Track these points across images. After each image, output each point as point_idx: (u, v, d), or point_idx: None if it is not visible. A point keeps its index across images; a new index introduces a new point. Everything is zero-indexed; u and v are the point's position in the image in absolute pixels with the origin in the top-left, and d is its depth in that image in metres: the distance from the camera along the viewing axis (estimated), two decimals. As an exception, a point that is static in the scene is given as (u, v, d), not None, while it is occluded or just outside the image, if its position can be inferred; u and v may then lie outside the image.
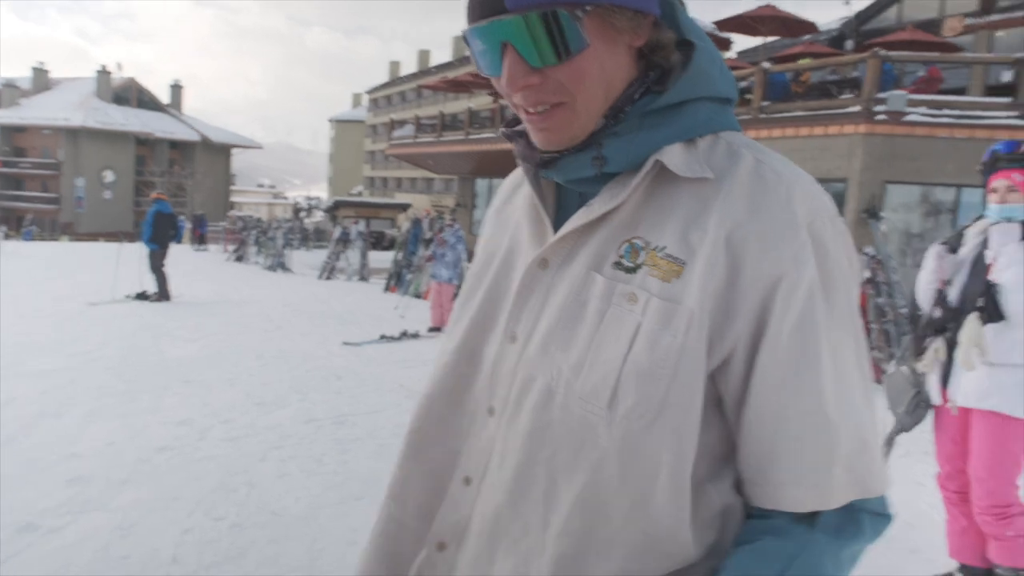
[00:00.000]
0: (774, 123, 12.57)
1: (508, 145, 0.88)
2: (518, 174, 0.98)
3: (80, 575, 2.98)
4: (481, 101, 25.80)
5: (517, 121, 0.88)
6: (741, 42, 30.73)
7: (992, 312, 2.64)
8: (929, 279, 2.97)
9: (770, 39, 17.58)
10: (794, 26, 16.51)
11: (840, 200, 11.64)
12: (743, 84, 14.02)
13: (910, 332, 3.15)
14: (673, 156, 0.77)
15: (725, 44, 18.28)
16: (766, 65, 13.05)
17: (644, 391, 0.73)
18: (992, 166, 2.84)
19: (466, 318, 0.92)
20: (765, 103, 12.71)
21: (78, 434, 4.71)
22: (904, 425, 3.04)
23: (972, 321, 2.69)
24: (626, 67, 0.79)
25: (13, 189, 47.09)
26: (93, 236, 37.18)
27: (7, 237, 30.90)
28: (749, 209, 0.74)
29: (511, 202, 0.98)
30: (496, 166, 20.82)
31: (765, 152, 0.80)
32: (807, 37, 18.06)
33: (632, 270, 0.77)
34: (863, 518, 0.77)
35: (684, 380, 0.73)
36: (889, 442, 3.16)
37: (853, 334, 0.77)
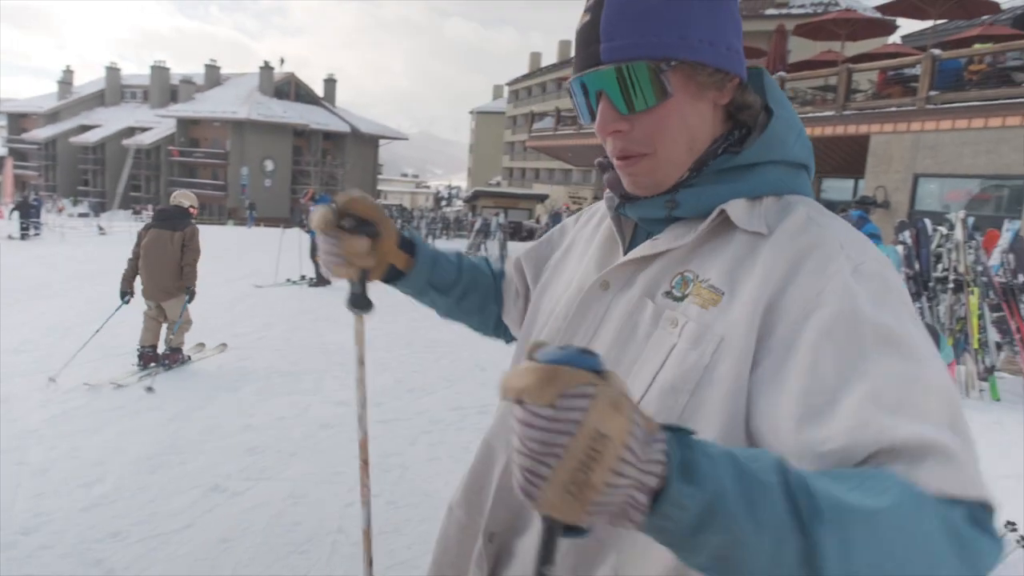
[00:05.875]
0: (942, 114, 11.66)
1: None
2: (602, 208, 1.07)
3: (260, 536, 3.32)
4: (622, 92, 25.46)
5: None
6: (906, 27, 28.47)
7: None
8: None
9: (941, 21, 16.21)
10: (971, 6, 15.09)
11: (1018, 199, 10.65)
12: (909, 71, 13.08)
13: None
14: (737, 208, 0.83)
15: (889, 28, 17.06)
16: (935, 51, 12.09)
17: (664, 403, 0.79)
18: None
19: (540, 332, 1.00)
20: (933, 92, 11.80)
21: (252, 408, 5.21)
22: None
23: None
24: (711, 122, 0.87)
25: (188, 176, 51.75)
26: (256, 221, 40.19)
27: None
28: (794, 261, 0.77)
29: (587, 226, 1.09)
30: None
31: (822, 212, 0.84)
32: (987, 18, 16.51)
33: (680, 299, 0.83)
34: (986, 519, 0.62)
35: (705, 396, 0.77)
36: None
37: (927, 343, 0.72)
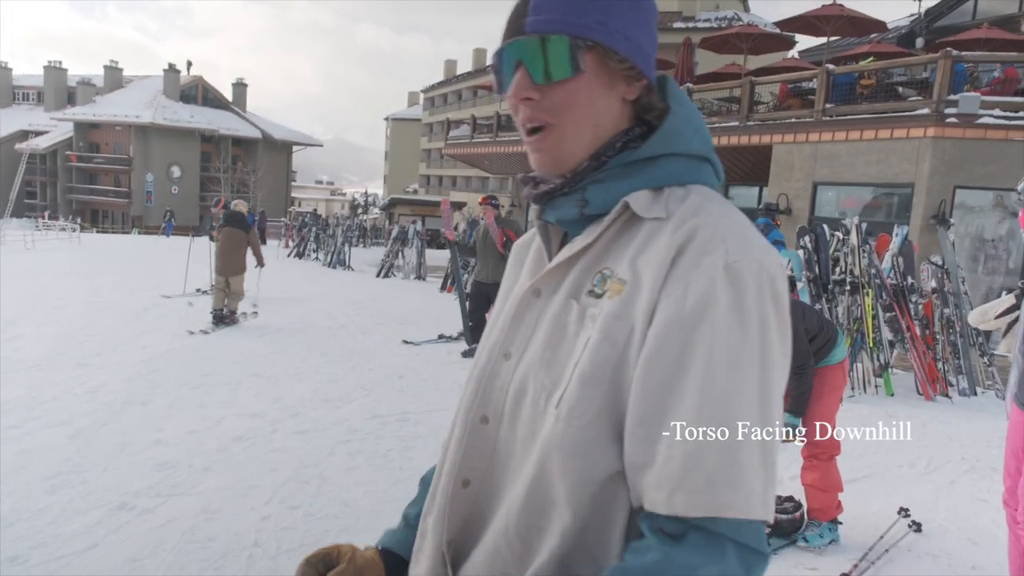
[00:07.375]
0: (838, 125, 12.35)
1: None
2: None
3: (172, 554, 3.21)
4: (538, 100, 25.77)
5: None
6: (804, 41, 29.93)
7: None
8: None
9: (835, 38, 17.19)
10: (861, 25, 16.07)
11: (906, 206, 11.38)
12: (807, 85, 13.80)
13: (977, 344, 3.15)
14: (639, 200, 0.89)
15: (788, 44, 17.97)
16: (830, 67, 12.81)
17: (584, 392, 0.83)
18: None
19: (487, 343, 1.02)
20: (828, 105, 12.49)
21: (162, 422, 5.01)
22: None
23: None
24: (616, 115, 0.92)
25: (88, 183, 49.15)
26: (162, 229, 38.56)
27: (83, 230, 32.35)
28: (679, 248, 0.82)
29: (529, 246, 1.11)
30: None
31: (717, 200, 0.89)
32: (874, 36, 17.61)
33: (600, 295, 0.88)
34: (727, 545, 0.76)
35: (623, 384, 0.82)
36: None
37: (762, 365, 0.79)
